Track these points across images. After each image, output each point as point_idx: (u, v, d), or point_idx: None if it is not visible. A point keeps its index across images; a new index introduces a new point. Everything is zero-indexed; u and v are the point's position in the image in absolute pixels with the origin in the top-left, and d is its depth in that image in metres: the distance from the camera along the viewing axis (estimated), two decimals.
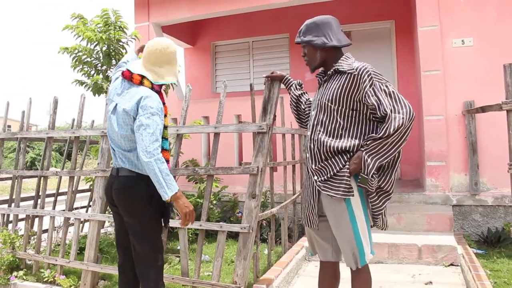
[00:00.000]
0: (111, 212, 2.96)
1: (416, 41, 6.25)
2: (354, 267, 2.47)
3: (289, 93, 3.00)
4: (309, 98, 2.94)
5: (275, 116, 3.34)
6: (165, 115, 2.63)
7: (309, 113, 2.89)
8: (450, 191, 5.32)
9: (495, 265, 4.32)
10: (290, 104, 2.99)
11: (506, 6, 5.23)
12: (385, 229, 2.60)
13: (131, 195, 2.56)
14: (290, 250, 4.51)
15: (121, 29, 5.20)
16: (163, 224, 2.72)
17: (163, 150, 2.59)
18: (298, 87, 2.99)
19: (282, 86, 3.16)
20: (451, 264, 4.26)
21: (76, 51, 5.10)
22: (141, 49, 2.94)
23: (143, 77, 2.56)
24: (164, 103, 2.63)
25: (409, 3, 6.86)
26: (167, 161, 2.59)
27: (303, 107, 2.92)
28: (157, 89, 2.61)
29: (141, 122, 2.42)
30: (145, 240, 2.60)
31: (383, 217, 2.56)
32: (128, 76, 2.58)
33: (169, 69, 2.61)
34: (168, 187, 2.37)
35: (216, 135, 3.53)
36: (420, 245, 4.35)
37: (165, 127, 2.64)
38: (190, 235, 5.15)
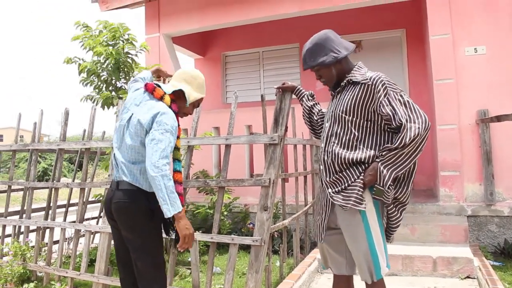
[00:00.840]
0: None
1: (428, 50, 6.19)
2: (369, 281, 2.41)
3: (301, 104, 2.97)
4: (321, 109, 2.91)
5: (286, 127, 3.30)
6: (178, 137, 2.61)
7: (322, 123, 2.85)
8: (465, 202, 5.23)
9: None
10: (303, 116, 2.96)
11: None
12: (390, 242, 2.56)
13: (131, 209, 2.51)
14: (302, 262, 4.45)
15: (129, 41, 5.22)
16: (165, 234, 2.65)
17: (176, 171, 2.58)
18: (310, 98, 2.96)
19: (294, 97, 3.13)
20: (468, 277, 4.16)
21: (87, 68, 5.12)
22: (155, 72, 3.01)
23: (164, 93, 2.58)
24: (178, 125, 2.61)
25: (420, 12, 6.82)
26: (180, 183, 2.58)
27: (315, 118, 2.89)
28: (175, 109, 2.61)
29: (154, 136, 2.40)
30: (146, 256, 2.54)
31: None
32: (150, 89, 2.59)
33: (196, 91, 2.68)
34: (171, 205, 2.33)
35: (227, 146, 3.50)
36: (435, 257, 4.27)
37: (177, 149, 2.63)
38: (201, 247, 5.11)
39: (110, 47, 5.00)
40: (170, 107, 2.57)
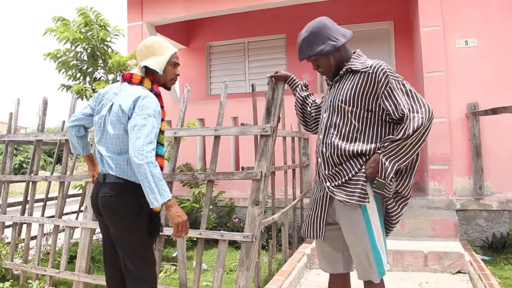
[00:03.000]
0: None
1: (416, 42, 6.13)
2: (374, 278, 2.29)
3: (294, 94, 2.83)
4: (315, 100, 2.77)
5: (279, 118, 3.16)
6: (162, 119, 2.46)
7: (315, 115, 2.72)
8: (454, 196, 5.18)
9: (503, 272, 4.19)
10: (295, 106, 2.82)
11: (510, 6, 5.12)
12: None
13: (118, 204, 2.34)
14: (291, 257, 4.33)
15: (102, 27, 5.01)
16: (150, 234, 2.49)
17: (158, 156, 2.41)
18: (304, 88, 2.82)
19: (287, 87, 2.98)
20: (459, 272, 4.10)
21: (59, 55, 4.91)
22: None
23: (143, 78, 2.44)
24: (162, 107, 2.47)
25: (409, 4, 6.74)
26: (161, 167, 2.41)
27: (309, 109, 2.75)
28: (157, 91, 2.48)
29: (136, 122, 2.25)
30: (135, 254, 2.38)
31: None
32: (128, 77, 2.45)
33: (160, 54, 2.48)
34: (160, 193, 2.17)
35: (217, 138, 3.34)
36: (426, 252, 4.20)
37: (161, 132, 2.47)
38: (186, 242, 4.94)
39: (80, 34, 4.78)
40: (151, 90, 2.44)
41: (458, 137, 5.20)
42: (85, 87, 4.94)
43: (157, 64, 2.43)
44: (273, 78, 3.03)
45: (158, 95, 2.47)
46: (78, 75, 5.17)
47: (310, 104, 2.75)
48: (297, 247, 4.82)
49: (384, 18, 7.35)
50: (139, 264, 2.38)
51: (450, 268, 4.13)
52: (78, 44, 4.92)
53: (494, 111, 4.08)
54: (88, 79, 5.18)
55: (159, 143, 2.45)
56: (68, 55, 4.97)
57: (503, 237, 4.89)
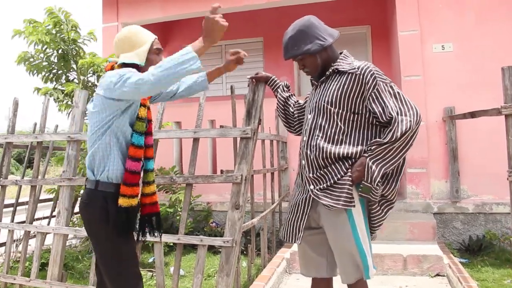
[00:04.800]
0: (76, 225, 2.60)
1: (393, 46, 6.17)
2: (360, 284, 2.24)
3: (276, 96, 2.77)
4: (298, 101, 2.72)
5: (260, 120, 3.10)
6: (143, 105, 2.26)
7: (298, 116, 2.66)
8: (431, 199, 5.22)
9: (481, 274, 4.23)
10: (277, 108, 2.76)
11: (485, 11, 5.21)
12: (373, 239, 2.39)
13: (87, 210, 2.20)
14: (270, 262, 4.27)
15: (73, 28, 4.87)
16: (136, 238, 2.35)
17: (134, 146, 2.18)
18: (285, 88, 2.76)
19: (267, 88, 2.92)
20: (437, 275, 4.12)
21: (28, 57, 4.76)
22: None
23: (114, 64, 2.25)
24: (145, 106, 2.29)
25: (386, 9, 6.80)
26: (138, 159, 2.20)
27: (291, 110, 2.70)
28: None
29: (116, 80, 2.04)
30: (108, 265, 2.20)
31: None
32: (108, 68, 2.28)
33: (138, 46, 2.26)
34: (186, 57, 1.99)
35: (195, 140, 3.26)
36: (405, 255, 4.20)
37: (141, 119, 2.23)
38: (163, 246, 4.82)
39: (48, 35, 4.63)
40: None
41: (435, 140, 5.25)
42: (55, 88, 4.79)
43: (136, 56, 2.22)
44: (253, 80, 2.97)
45: None
46: (51, 76, 5.01)
47: (292, 105, 2.70)
48: (275, 252, 4.77)
49: (361, 23, 7.40)
50: (112, 275, 2.19)
51: (429, 271, 4.14)
52: (47, 47, 4.76)
53: (473, 114, 4.12)
54: (61, 81, 5.03)
55: (136, 131, 2.21)
56: (38, 57, 4.81)
57: (479, 240, 4.95)
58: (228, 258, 2.97)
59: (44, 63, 4.94)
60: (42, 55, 4.89)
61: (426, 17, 5.32)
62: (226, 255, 2.98)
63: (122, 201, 2.13)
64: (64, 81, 5.05)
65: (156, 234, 2.43)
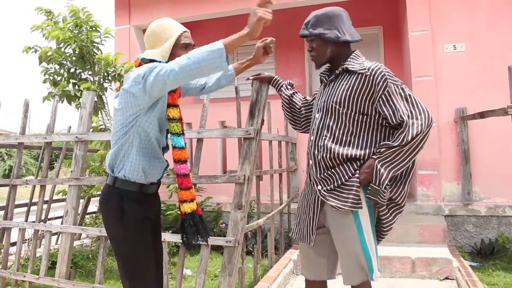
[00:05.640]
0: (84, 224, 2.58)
1: (405, 47, 6.11)
2: (362, 280, 2.22)
3: (280, 95, 2.76)
4: (306, 97, 2.69)
5: (263, 120, 3.09)
6: (175, 91, 2.18)
7: (305, 113, 2.64)
8: (442, 201, 5.15)
9: (491, 278, 4.14)
10: (282, 106, 2.75)
11: (497, 11, 5.13)
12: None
13: (104, 207, 2.19)
14: (277, 263, 4.26)
15: (93, 28, 4.92)
16: (186, 245, 2.26)
17: (176, 148, 2.15)
18: (288, 87, 2.75)
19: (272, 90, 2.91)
20: (446, 278, 4.05)
21: (50, 53, 4.81)
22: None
23: (141, 59, 2.19)
24: (175, 106, 2.20)
25: (397, 9, 6.74)
26: (184, 161, 2.17)
27: (298, 107, 2.67)
28: None
29: (143, 73, 1.99)
30: (120, 263, 2.18)
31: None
32: (136, 65, 2.22)
33: (163, 42, 2.20)
34: (215, 47, 1.91)
35: (199, 141, 3.28)
36: (413, 258, 4.14)
37: (172, 120, 2.16)
38: (171, 247, 4.86)
39: (69, 33, 4.68)
40: None
41: (447, 142, 5.18)
42: (73, 89, 4.83)
43: (158, 52, 2.16)
44: (256, 80, 2.98)
45: None
46: (63, 76, 5.06)
47: (297, 102, 2.67)
48: (284, 253, 4.75)
49: (373, 24, 7.35)
50: (123, 275, 2.18)
51: (437, 274, 4.08)
52: (68, 44, 4.79)
53: (482, 115, 4.05)
54: (74, 80, 5.08)
55: (172, 133, 2.17)
56: (58, 54, 4.84)
57: (492, 243, 4.85)
58: (231, 258, 2.97)
59: (63, 61, 4.97)
60: (60, 53, 4.91)
61: (437, 17, 5.25)
62: (229, 255, 2.98)
63: (186, 207, 2.12)
64: (75, 82, 5.10)
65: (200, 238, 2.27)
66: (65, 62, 4.90)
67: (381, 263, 4.18)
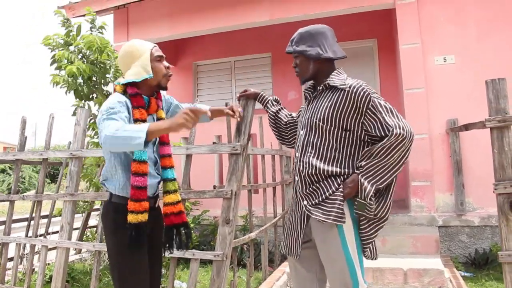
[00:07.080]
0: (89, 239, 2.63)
1: (398, 59, 6.18)
2: None
3: (266, 111, 2.83)
4: (291, 114, 2.76)
5: (249, 136, 3.17)
6: (136, 107, 2.21)
7: (291, 129, 2.70)
8: (436, 212, 5.18)
9: None
10: (269, 122, 2.81)
11: (486, 24, 5.20)
12: (375, 259, 2.35)
13: (102, 222, 2.31)
14: (270, 276, 4.31)
15: (108, 55, 4.97)
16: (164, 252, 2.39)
17: (137, 161, 2.15)
18: (274, 103, 2.81)
19: (259, 105, 2.99)
20: None
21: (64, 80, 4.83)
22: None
23: (116, 85, 2.31)
24: (138, 107, 2.23)
25: (391, 22, 6.82)
26: (143, 174, 2.16)
27: (284, 122, 2.73)
28: (131, 92, 2.24)
29: (100, 117, 2.11)
30: (113, 274, 2.26)
31: (373, 246, 2.31)
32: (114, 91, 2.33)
33: (133, 69, 2.27)
34: (135, 134, 1.92)
35: (188, 157, 3.36)
36: (405, 269, 4.18)
37: (142, 121, 2.20)
38: (167, 261, 4.90)
39: (85, 66, 4.70)
40: (125, 92, 2.25)
41: (439, 153, 5.22)
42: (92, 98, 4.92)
43: (137, 73, 2.23)
44: (243, 97, 3.05)
45: (134, 95, 2.24)
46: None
47: (284, 117, 2.73)
48: (278, 265, 4.79)
49: (367, 36, 7.43)
50: (115, 285, 2.25)
51: (429, 285, 4.10)
52: (82, 76, 4.83)
53: (466, 127, 4.11)
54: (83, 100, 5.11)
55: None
56: (72, 83, 4.87)
57: (486, 253, 4.87)
58: (219, 272, 3.04)
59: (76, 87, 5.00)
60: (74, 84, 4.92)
61: (428, 30, 5.33)
62: (217, 268, 3.05)
63: (131, 218, 2.14)
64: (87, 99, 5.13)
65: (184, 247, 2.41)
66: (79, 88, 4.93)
67: (373, 275, 4.22)
